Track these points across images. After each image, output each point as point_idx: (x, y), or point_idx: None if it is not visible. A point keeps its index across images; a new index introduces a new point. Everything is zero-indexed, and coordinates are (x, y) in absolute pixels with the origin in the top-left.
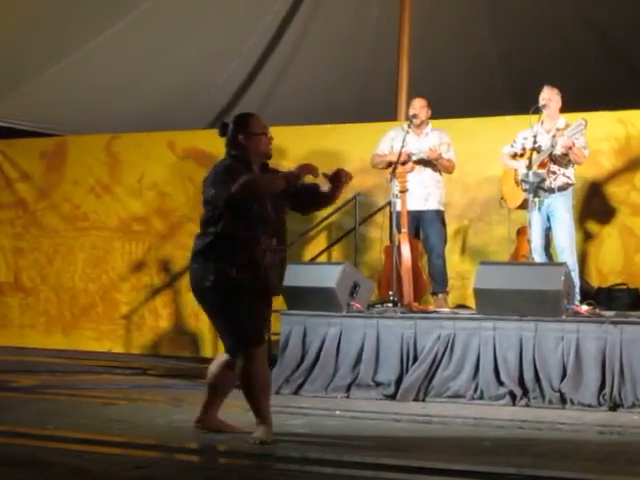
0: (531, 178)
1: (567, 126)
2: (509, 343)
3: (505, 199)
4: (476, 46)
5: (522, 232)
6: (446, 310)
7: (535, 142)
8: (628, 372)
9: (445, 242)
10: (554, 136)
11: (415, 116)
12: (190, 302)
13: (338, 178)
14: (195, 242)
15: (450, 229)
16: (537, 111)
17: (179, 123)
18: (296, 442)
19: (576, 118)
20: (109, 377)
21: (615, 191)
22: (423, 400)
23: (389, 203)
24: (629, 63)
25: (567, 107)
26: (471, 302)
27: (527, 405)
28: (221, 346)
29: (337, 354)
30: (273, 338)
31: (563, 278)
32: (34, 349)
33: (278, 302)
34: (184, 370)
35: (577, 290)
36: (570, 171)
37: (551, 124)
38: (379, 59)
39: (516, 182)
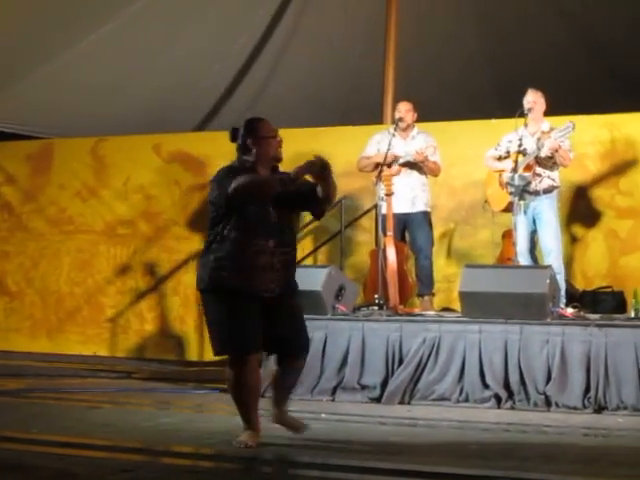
0: (517, 181)
1: (551, 129)
2: (494, 346)
3: (489, 202)
4: (463, 49)
5: (507, 235)
6: (432, 313)
7: (520, 145)
8: (613, 375)
9: (432, 244)
10: (539, 138)
11: (401, 119)
12: (175, 305)
13: (311, 171)
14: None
15: (436, 232)
16: (522, 115)
17: (165, 126)
18: (282, 445)
19: (562, 121)
20: (94, 381)
21: (600, 194)
22: (409, 403)
23: (375, 206)
24: (615, 67)
25: (553, 111)
26: (457, 305)
27: (512, 408)
28: (207, 349)
29: (323, 357)
30: None
31: (548, 281)
32: (19, 353)
33: None
34: (169, 373)
35: (563, 293)
36: (555, 174)
37: (536, 127)
38: (366, 62)
39: (500, 185)
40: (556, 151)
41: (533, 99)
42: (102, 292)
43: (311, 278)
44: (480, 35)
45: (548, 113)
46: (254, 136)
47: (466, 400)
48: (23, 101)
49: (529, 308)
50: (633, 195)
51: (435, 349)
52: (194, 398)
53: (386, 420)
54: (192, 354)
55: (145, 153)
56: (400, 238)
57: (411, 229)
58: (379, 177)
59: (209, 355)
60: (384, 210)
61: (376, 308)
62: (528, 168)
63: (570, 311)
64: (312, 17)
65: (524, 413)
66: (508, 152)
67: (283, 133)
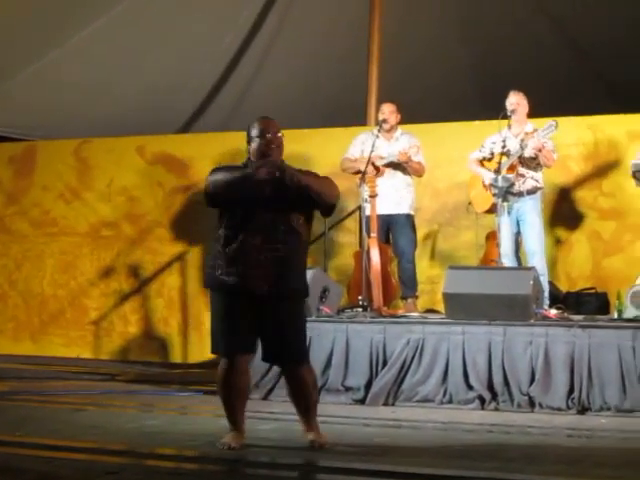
0: (500, 183)
1: (535, 130)
2: (478, 347)
3: (473, 204)
4: (447, 51)
5: (491, 237)
6: (415, 315)
7: (504, 146)
8: (596, 376)
9: (415, 246)
10: (523, 139)
11: (385, 121)
12: (159, 307)
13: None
14: None
15: (420, 234)
16: (506, 117)
17: (149, 127)
18: (266, 447)
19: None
20: (78, 383)
21: (584, 196)
22: (392, 404)
23: (359, 208)
24: (598, 69)
25: (537, 112)
26: (440, 307)
27: (496, 409)
28: (191, 351)
29: None
30: None
31: (532, 282)
32: (2, 355)
33: None
34: (153, 375)
35: (546, 294)
36: (539, 174)
37: (519, 128)
38: (350, 64)
39: (484, 186)
40: (539, 151)
41: (516, 101)
42: (86, 294)
43: None
44: (464, 37)
45: (532, 115)
46: (248, 137)
47: (450, 401)
48: (6, 102)
49: (513, 309)
50: (616, 197)
51: (419, 350)
52: (178, 400)
53: (370, 421)
54: (176, 356)
55: (128, 155)
56: (384, 240)
57: (394, 232)
58: (363, 179)
59: (193, 357)
60: (368, 212)
61: (360, 310)
62: (511, 169)
63: (553, 312)
64: (296, 19)
65: (508, 414)
66: (492, 154)
67: None
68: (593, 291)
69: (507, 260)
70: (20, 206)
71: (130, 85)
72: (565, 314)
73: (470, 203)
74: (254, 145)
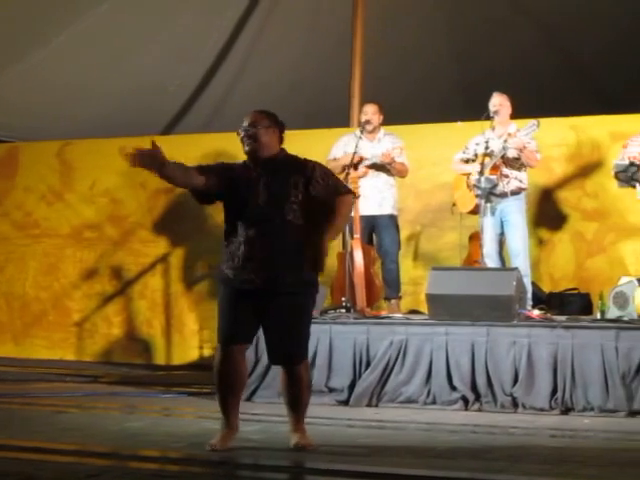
0: (483, 184)
1: (518, 130)
2: (461, 348)
3: (457, 204)
4: (431, 52)
5: (474, 237)
6: (399, 316)
7: (487, 147)
8: (579, 376)
9: (399, 247)
10: (506, 140)
11: (368, 122)
12: (142, 309)
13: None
14: None
15: (403, 235)
16: (489, 118)
17: (132, 129)
18: (250, 448)
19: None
20: (61, 385)
21: (567, 196)
22: (376, 405)
23: None
24: (581, 70)
25: (520, 113)
26: (424, 308)
27: (480, 410)
28: (174, 352)
29: None
30: None
31: (515, 283)
32: None
33: None
34: (136, 377)
35: (529, 295)
36: (523, 175)
37: (503, 129)
38: (333, 65)
39: (468, 187)
40: (521, 151)
41: (499, 102)
42: (68, 296)
43: None
44: (448, 38)
45: (514, 116)
46: None
47: (433, 402)
48: None
49: (496, 310)
50: (599, 197)
51: (402, 351)
52: (161, 402)
53: (354, 423)
54: (159, 358)
55: (111, 156)
56: (367, 241)
57: (378, 232)
58: (346, 180)
59: (176, 359)
60: (351, 213)
61: (343, 311)
62: (495, 169)
63: (537, 313)
64: (279, 20)
65: (491, 415)
66: (476, 155)
67: None
68: (576, 291)
69: (490, 261)
70: (2, 208)
71: (113, 86)
72: (548, 315)
73: (454, 204)
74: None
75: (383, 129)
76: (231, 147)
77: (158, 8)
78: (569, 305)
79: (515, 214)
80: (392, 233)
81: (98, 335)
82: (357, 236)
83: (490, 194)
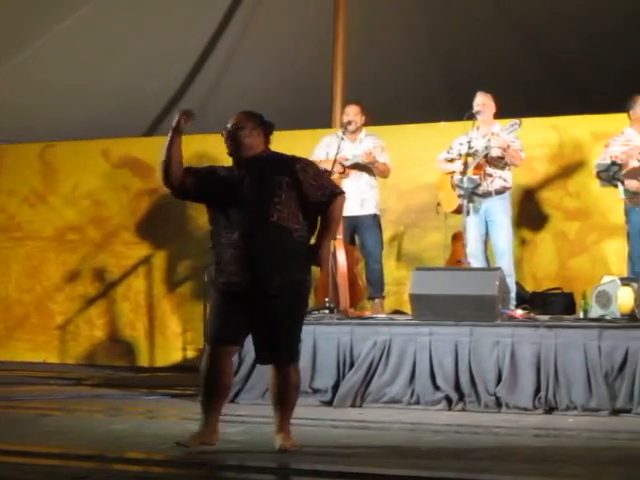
0: (465, 184)
1: (501, 130)
2: (445, 348)
3: (442, 204)
4: (414, 53)
5: (457, 237)
6: (382, 316)
7: (470, 147)
8: (563, 376)
9: (382, 247)
10: (489, 140)
11: (350, 123)
12: (125, 311)
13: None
14: None
15: (386, 235)
16: (471, 117)
17: (114, 130)
18: (234, 450)
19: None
20: (44, 388)
21: (549, 196)
22: (360, 406)
23: None
24: (563, 70)
25: (502, 113)
26: (407, 308)
27: (463, 409)
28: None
29: None
30: None
31: (498, 283)
32: None
33: None
34: (120, 379)
35: (513, 295)
36: (507, 174)
37: (487, 129)
38: (315, 65)
39: (452, 186)
40: (505, 150)
41: (482, 102)
42: (51, 299)
43: None
44: (431, 38)
45: (497, 116)
46: None
47: (417, 402)
48: None
49: (479, 310)
50: (581, 197)
51: (386, 352)
52: (145, 404)
53: (338, 423)
54: (143, 360)
55: (94, 158)
56: (350, 241)
57: (360, 232)
58: None
59: (159, 361)
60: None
61: (327, 311)
62: (478, 169)
63: (520, 312)
64: (261, 20)
65: (475, 415)
66: (460, 154)
67: None
68: (559, 291)
69: (475, 261)
70: None
71: (95, 87)
72: (531, 314)
73: (439, 204)
74: None
75: (365, 130)
76: (213, 149)
77: (141, 9)
78: (552, 305)
79: (500, 214)
80: (375, 233)
81: (81, 337)
82: (340, 237)
83: (473, 194)
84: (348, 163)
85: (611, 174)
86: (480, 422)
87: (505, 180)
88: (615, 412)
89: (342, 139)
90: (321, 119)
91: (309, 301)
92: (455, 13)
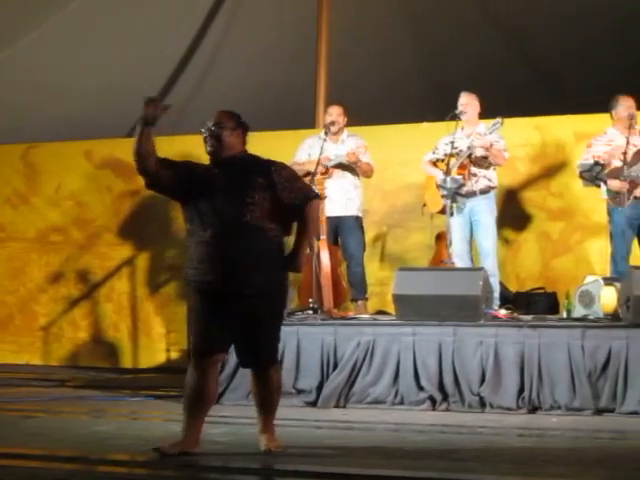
0: (449, 184)
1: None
2: (429, 348)
3: (427, 205)
4: (397, 53)
5: (441, 237)
6: (366, 316)
7: (454, 147)
8: (546, 375)
9: (364, 249)
10: (473, 140)
11: (333, 123)
12: (108, 312)
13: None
14: None
15: (369, 236)
16: (455, 117)
17: (97, 131)
18: (218, 451)
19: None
20: (28, 389)
21: (532, 196)
22: (344, 406)
23: None
24: (546, 70)
25: (485, 114)
26: (391, 308)
27: (447, 410)
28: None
29: None
30: None
31: (481, 283)
32: None
33: None
34: (104, 381)
35: (497, 295)
36: (492, 173)
37: (471, 129)
38: (298, 66)
39: (437, 187)
40: (487, 149)
41: (466, 102)
42: (35, 300)
43: None
44: (414, 40)
45: (481, 116)
46: None
47: (401, 403)
48: None
49: (462, 310)
50: (564, 197)
51: (370, 352)
52: (129, 405)
53: (322, 424)
54: (126, 361)
55: (76, 159)
56: (333, 242)
57: (343, 235)
58: (312, 181)
59: (143, 362)
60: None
61: (310, 312)
62: (462, 168)
63: (503, 312)
64: (244, 20)
65: (459, 415)
66: (446, 155)
67: None
68: (542, 291)
69: (460, 261)
70: None
71: (77, 87)
72: (515, 314)
73: (425, 204)
74: None
75: (347, 130)
76: (196, 150)
77: (124, 8)
78: (535, 304)
79: (485, 214)
80: (357, 235)
81: (65, 339)
82: (323, 237)
83: (456, 194)
84: (331, 163)
85: (594, 174)
86: (464, 422)
87: (490, 180)
88: (598, 411)
89: (325, 140)
90: (304, 119)
91: (287, 301)
92: (439, 13)
